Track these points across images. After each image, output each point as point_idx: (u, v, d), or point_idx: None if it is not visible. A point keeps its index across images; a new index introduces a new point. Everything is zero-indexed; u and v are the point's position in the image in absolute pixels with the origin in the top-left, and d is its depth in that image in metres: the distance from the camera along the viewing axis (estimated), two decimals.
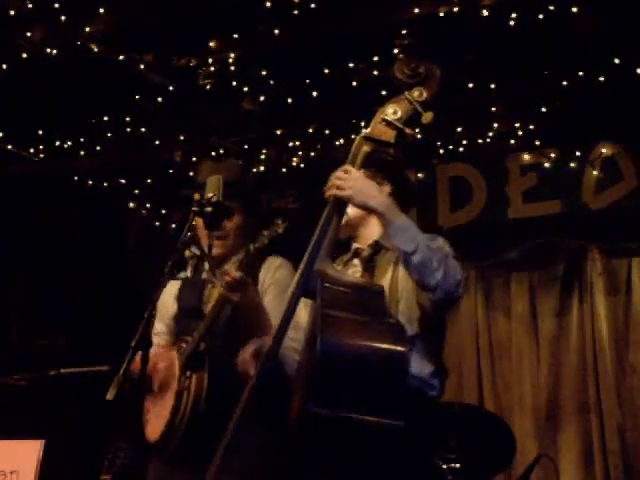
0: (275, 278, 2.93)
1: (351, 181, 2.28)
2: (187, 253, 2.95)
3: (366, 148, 2.34)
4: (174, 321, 3.03)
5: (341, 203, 2.32)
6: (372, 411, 2.06)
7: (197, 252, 2.98)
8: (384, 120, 2.32)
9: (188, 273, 3.04)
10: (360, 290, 2.31)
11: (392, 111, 2.32)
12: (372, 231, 2.57)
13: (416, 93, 2.33)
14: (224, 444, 2.17)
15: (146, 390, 2.85)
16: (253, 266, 2.84)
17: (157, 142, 5.24)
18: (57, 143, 5.25)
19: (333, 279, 2.26)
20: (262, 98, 4.61)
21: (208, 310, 2.81)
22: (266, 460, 2.58)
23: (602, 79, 4.25)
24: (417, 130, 2.33)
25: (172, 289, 2.98)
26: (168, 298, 3.00)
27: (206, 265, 3.02)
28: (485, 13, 3.77)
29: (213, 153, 5.17)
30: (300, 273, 2.24)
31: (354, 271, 2.53)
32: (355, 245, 2.58)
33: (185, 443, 2.72)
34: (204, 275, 3.01)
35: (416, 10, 3.82)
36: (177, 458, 2.77)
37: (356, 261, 2.56)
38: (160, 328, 3.01)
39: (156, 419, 2.80)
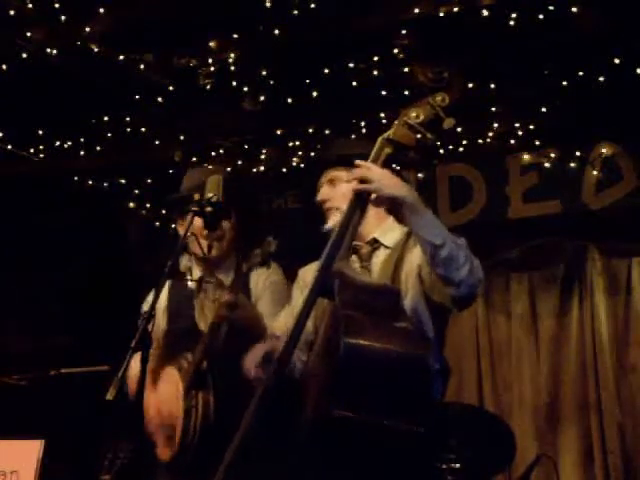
0: (267, 282, 2.94)
1: (377, 174, 2.27)
2: (183, 264, 2.95)
3: (387, 150, 2.35)
4: (164, 334, 3.02)
5: (363, 199, 2.30)
6: (393, 415, 2.07)
7: (189, 264, 2.98)
8: (406, 123, 2.33)
9: (185, 281, 3.04)
10: (379, 291, 2.31)
11: (415, 115, 2.33)
12: (370, 228, 2.56)
13: (439, 98, 2.34)
14: (233, 448, 2.17)
15: (149, 402, 2.86)
16: (243, 282, 2.84)
17: (157, 142, 5.23)
18: (57, 143, 5.24)
19: (351, 279, 2.26)
20: (262, 98, 4.61)
21: (202, 324, 2.82)
22: (274, 463, 2.58)
23: (602, 79, 4.25)
24: (437, 135, 2.34)
25: (161, 302, 2.97)
26: (157, 311, 2.98)
27: (196, 272, 3.02)
28: (485, 13, 3.77)
29: (213, 153, 5.17)
30: (319, 272, 2.22)
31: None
32: (353, 242, 2.58)
33: (198, 461, 2.73)
34: (194, 281, 3.00)
35: (416, 10, 3.82)
36: (189, 475, 2.78)
37: (354, 258, 2.55)
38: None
39: (166, 440, 2.81)
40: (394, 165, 2.41)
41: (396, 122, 2.37)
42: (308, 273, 2.64)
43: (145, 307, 2.68)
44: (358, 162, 2.32)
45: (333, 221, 2.48)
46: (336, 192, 2.59)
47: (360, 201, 2.30)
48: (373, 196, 2.32)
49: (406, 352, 2.12)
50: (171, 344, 2.99)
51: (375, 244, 2.55)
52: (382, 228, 2.56)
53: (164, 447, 2.81)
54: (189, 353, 2.82)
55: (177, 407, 2.76)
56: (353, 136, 4.83)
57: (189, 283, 3.03)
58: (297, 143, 5.20)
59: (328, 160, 2.72)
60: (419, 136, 2.33)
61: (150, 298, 2.69)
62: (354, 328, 2.11)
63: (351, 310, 2.17)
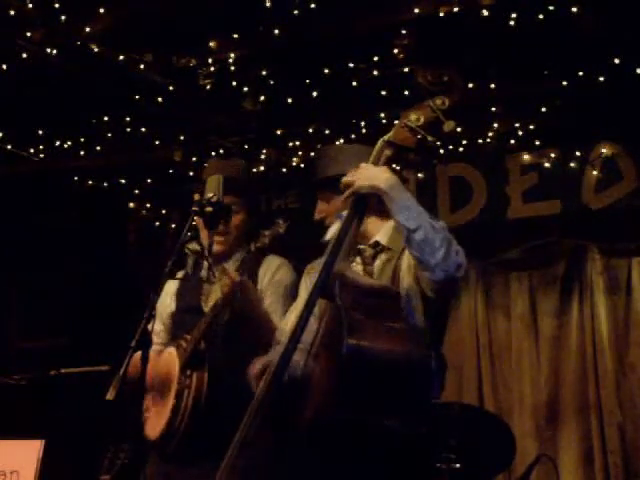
0: (275, 279, 2.94)
1: (356, 174, 2.33)
2: (188, 249, 2.94)
3: (387, 152, 2.38)
4: (172, 318, 3.03)
5: (360, 203, 2.34)
6: (397, 416, 2.07)
7: (197, 248, 2.97)
8: (406, 126, 2.35)
9: (188, 269, 3.05)
10: (379, 293, 2.32)
11: (415, 117, 2.35)
12: (373, 230, 2.57)
13: (439, 101, 2.35)
14: (236, 444, 2.17)
15: (145, 388, 2.85)
16: (253, 265, 2.85)
17: (157, 142, 5.24)
18: (57, 143, 5.25)
19: (352, 281, 2.28)
20: (262, 98, 4.61)
21: (207, 309, 2.81)
22: (275, 464, 2.59)
23: (602, 79, 4.25)
24: (438, 137, 2.35)
25: (171, 286, 2.98)
26: (166, 296, 3.00)
27: (205, 262, 3.02)
28: (485, 13, 3.77)
29: (213, 153, 5.17)
30: (320, 274, 2.23)
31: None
32: (358, 245, 2.58)
33: (186, 441, 2.73)
34: (203, 272, 3.01)
35: (416, 10, 3.82)
36: (177, 456, 2.78)
37: (358, 260, 2.56)
38: (158, 327, 3.00)
39: (156, 417, 2.80)
40: (394, 165, 2.42)
41: (396, 124, 2.38)
42: (314, 269, 2.65)
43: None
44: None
45: (331, 232, 2.50)
46: (331, 207, 2.61)
47: (357, 207, 2.34)
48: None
49: (408, 352, 2.14)
50: (176, 324, 3.00)
51: (378, 247, 2.55)
52: (384, 230, 2.57)
53: (153, 425, 2.81)
54: (189, 333, 2.82)
55: (171, 386, 2.77)
56: (353, 136, 4.84)
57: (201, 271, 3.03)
58: (297, 143, 5.20)
59: (312, 184, 2.74)
60: (419, 138, 2.35)
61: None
62: (356, 329, 2.12)
63: (352, 311, 2.18)
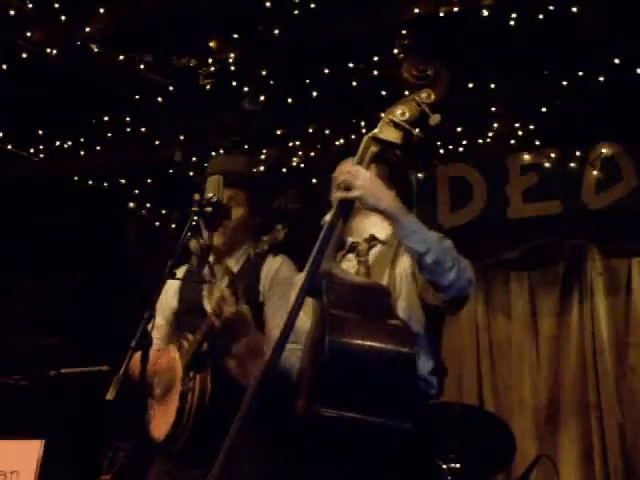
0: (278, 277, 2.93)
1: (361, 181, 2.26)
2: (193, 245, 2.94)
3: (374, 149, 2.33)
4: (174, 315, 3.03)
5: (349, 203, 2.30)
6: (380, 413, 2.06)
7: (198, 247, 2.97)
8: (392, 121, 2.32)
9: (193, 267, 3.04)
10: (366, 290, 2.31)
11: (400, 112, 2.32)
12: (367, 225, 2.55)
13: (424, 95, 2.32)
14: (226, 446, 2.17)
15: (147, 389, 2.85)
16: (255, 268, 2.84)
17: (157, 142, 5.24)
18: (57, 143, 5.25)
19: (339, 279, 2.27)
20: (262, 98, 4.61)
21: (209, 308, 2.81)
22: (267, 461, 2.58)
23: (602, 79, 4.26)
24: (424, 132, 2.32)
25: (174, 283, 2.97)
26: (169, 291, 2.99)
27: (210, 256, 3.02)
28: (485, 13, 3.78)
29: (213, 153, 5.17)
30: (306, 273, 2.22)
31: (348, 266, 2.51)
32: (350, 239, 2.56)
33: (191, 443, 2.72)
34: (205, 271, 3.00)
35: (416, 10, 3.83)
36: (182, 457, 2.77)
37: (351, 256, 2.54)
38: (159, 321, 2.99)
39: (161, 419, 2.80)
40: (403, 167, 2.40)
41: (381, 120, 2.35)
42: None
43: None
44: (344, 169, 2.32)
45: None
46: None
47: (344, 207, 2.29)
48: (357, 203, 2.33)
49: (391, 349, 2.12)
50: (177, 321, 3.00)
51: (373, 241, 2.54)
52: (380, 225, 2.55)
53: (157, 427, 2.81)
54: (190, 333, 2.82)
55: (174, 387, 2.77)
56: (353, 136, 4.84)
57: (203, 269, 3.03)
58: (297, 143, 5.20)
59: None
60: (405, 134, 2.31)
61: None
62: (339, 326, 2.12)
63: (338, 309, 2.17)
